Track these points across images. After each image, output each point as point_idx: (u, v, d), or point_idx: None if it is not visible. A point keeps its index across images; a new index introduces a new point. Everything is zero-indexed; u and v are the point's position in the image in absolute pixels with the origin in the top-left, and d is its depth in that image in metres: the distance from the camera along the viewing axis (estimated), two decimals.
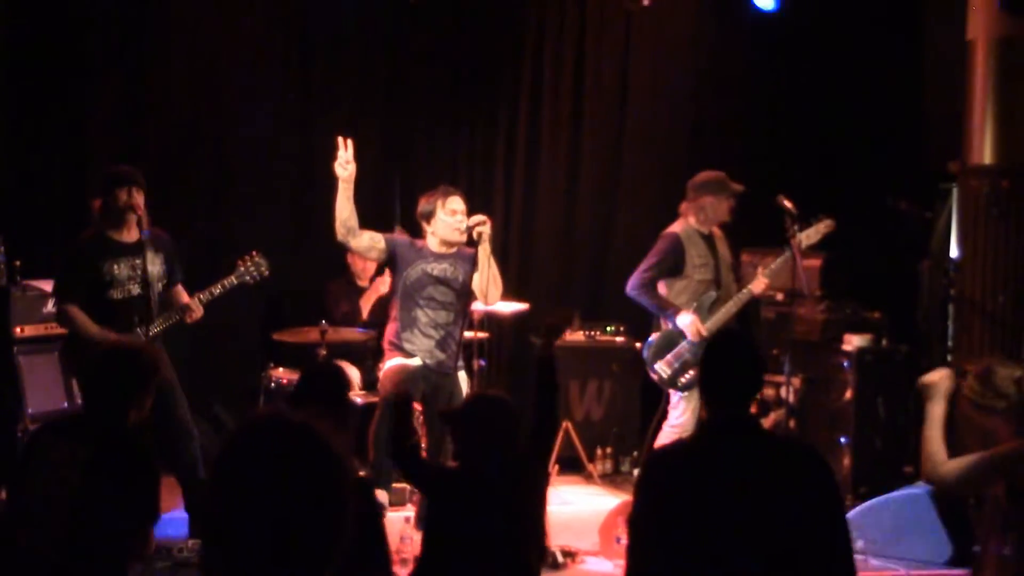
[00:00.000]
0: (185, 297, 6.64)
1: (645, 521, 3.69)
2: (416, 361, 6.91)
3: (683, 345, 7.23)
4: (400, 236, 7.20)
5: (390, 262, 7.06)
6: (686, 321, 7.18)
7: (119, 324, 6.35)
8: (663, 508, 3.64)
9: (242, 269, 6.72)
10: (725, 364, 3.82)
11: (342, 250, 8.50)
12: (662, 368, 7.28)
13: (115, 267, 6.39)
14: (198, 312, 6.57)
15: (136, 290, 6.40)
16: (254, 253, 6.80)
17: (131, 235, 6.43)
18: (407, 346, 6.95)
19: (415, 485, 5.12)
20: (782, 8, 8.45)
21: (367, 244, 6.98)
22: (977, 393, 4.78)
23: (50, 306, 7.42)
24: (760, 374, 3.97)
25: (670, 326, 7.28)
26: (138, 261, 6.37)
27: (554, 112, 9.40)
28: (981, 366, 4.92)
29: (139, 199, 6.40)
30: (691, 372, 7.22)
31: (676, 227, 7.36)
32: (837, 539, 3.59)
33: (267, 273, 6.81)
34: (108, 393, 4.53)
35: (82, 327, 6.35)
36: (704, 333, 7.14)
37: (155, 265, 6.48)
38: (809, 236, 7.23)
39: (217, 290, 6.61)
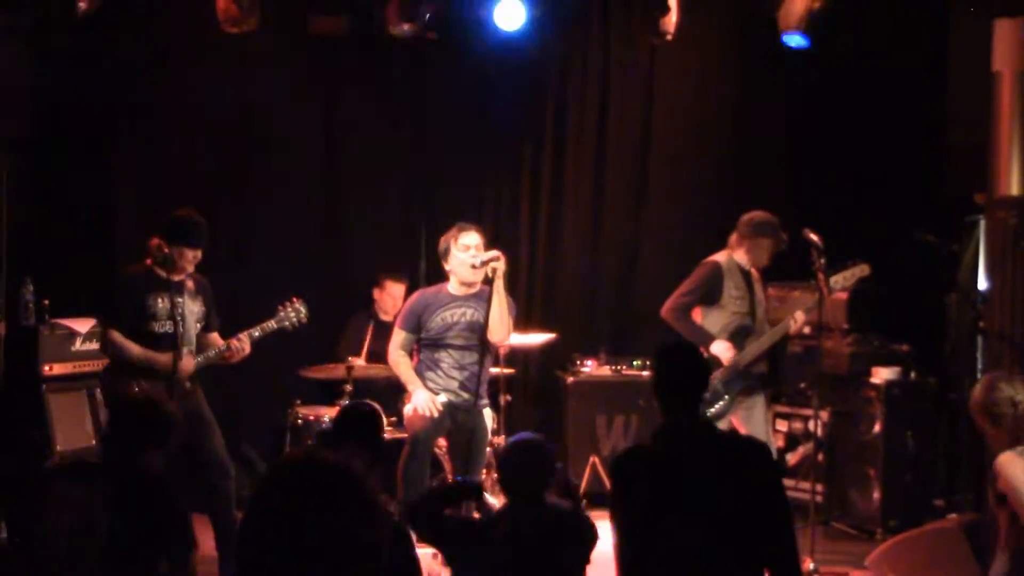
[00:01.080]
0: (220, 342, 6.69)
1: (619, 511, 4.14)
2: (441, 397, 6.92)
3: (715, 375, 7.23)
4: (411, 304, 7.19)
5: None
6: (721, 348, 7.18)
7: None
8: (631, 501, 4.12)
9: (282, 314, 6.78)
10: (675, 372, 4.27)
11: (368, 285, 8.56)
12: None
13: (159, 301, 6.45)
14: (246, 348, 6.63)
15: (176, 327, 6.44)
16: (295, 299, 6.86)
17: (177, 275, 6.52)
18: (431, 385, 6.97)
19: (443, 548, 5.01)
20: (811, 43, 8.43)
21: (411, 350, 7.12)
22: (979, 403, 5.34)
23: (78, 344, 7.47)
24: (704, 378, 4.35)
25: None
26: (179, 299, 6.45)
27: (579, 146, 9.40)
28: (987, 379, 5.50)
29: (198, 257, 6.49)
30: (720, 403, 7.22)
31: (719, 256, 7.37)
32: (777, 511, 4.08)
33: (306, 321, 6.87)
34: (127, 441, 4.57)
35: (125, 350, 6.42)
36: (739, 359, 7.16)
37: (194, 306, 6.58)
38: (845, 278, 7.19)
39: (256, 333, 6.66)
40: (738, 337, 7.25)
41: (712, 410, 7.24)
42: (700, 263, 7.41)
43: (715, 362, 7.20)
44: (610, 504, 4.19)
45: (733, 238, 7.36)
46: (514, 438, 4.94)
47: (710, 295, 7.29)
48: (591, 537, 4.69)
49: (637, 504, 4.10)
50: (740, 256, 7.33)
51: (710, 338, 7.22)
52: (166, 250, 6.45)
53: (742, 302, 7.31)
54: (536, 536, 4.51)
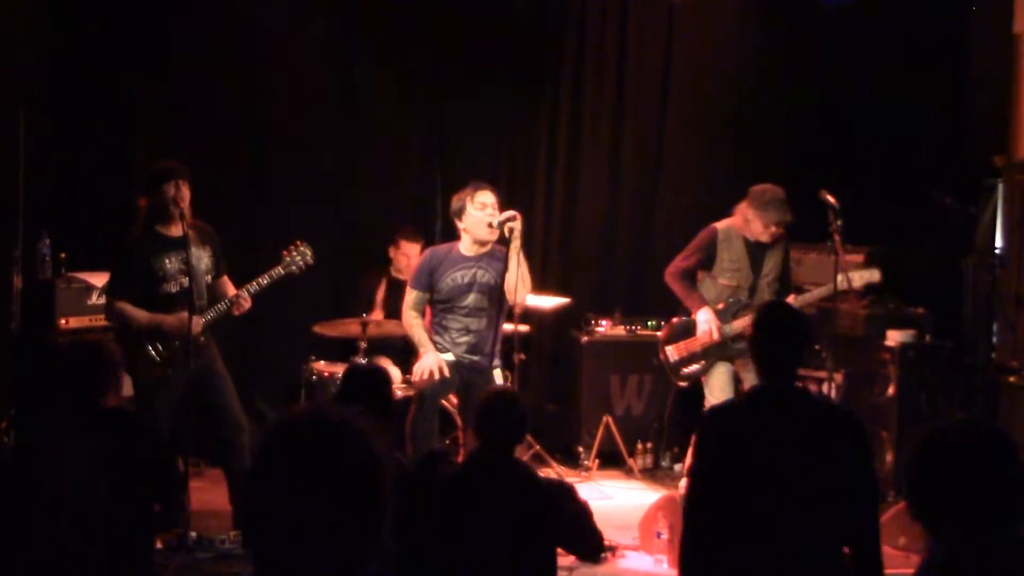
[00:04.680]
0: (231, 288, 6.70)
1: (701, 473, 4.14)
2: (449, 356, 6.92)
3: (697, 338, 7.24)
4: (422, 263, 7.15)
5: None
6: (704, 318, 7.20)
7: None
8: (715, 463, 4.07)
9: (288, 259, 6.76)
10: (773, 334, 4.17)
11: (384, 243, 8.57)
12: (671, 352, 7.35)
13: (167, 262, 6.44)
14: (247, 304, 6.64)
15: (187, 283, 6.44)
16: (299, 243, 6.83)
17: (178, 229, 6.50)
18: (439, 347, 6.97)
19: None
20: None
21: (424, 309, 7.09)
22: None
23: (95, 298, 7.50)
24: (801, 344, 4.20)
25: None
26: (185, 255, 6.42)
27: (596, 106, 9.37)
28: None
29: (185, 192, 6.47)
30: (695, 366, 7.24)
31: (721, 223, 7.34)
32: (863, 488, 4.01)
33: (312, 262, 6.84)
34: (85, 386, 4.56)
35: (131, 319, 6.40)
36: (717, 336, 7.15)
37: (202, 258, 6.56)
38: (852, 279, 7.13)
39: (264, 281, 6.65)
40: (729, 309, 7.24)
41: (684, 371, 7.28)
42: (706, 227, 7.40)
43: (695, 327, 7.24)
44: (693, 456, 4.22)
45: (737, 206, 7.32)
46: (494, 389, 4.90)
47: (707, 261, 7.29)
48: (566, 502, 4.55)
49: (720, 462, 4.06)
50: (739, 224, 7.28)
51: (698, 304, 7.22)
52: (153, 205, 6.44)
53: (736, 275, 7.26)
54: (506, 486, 4.46)
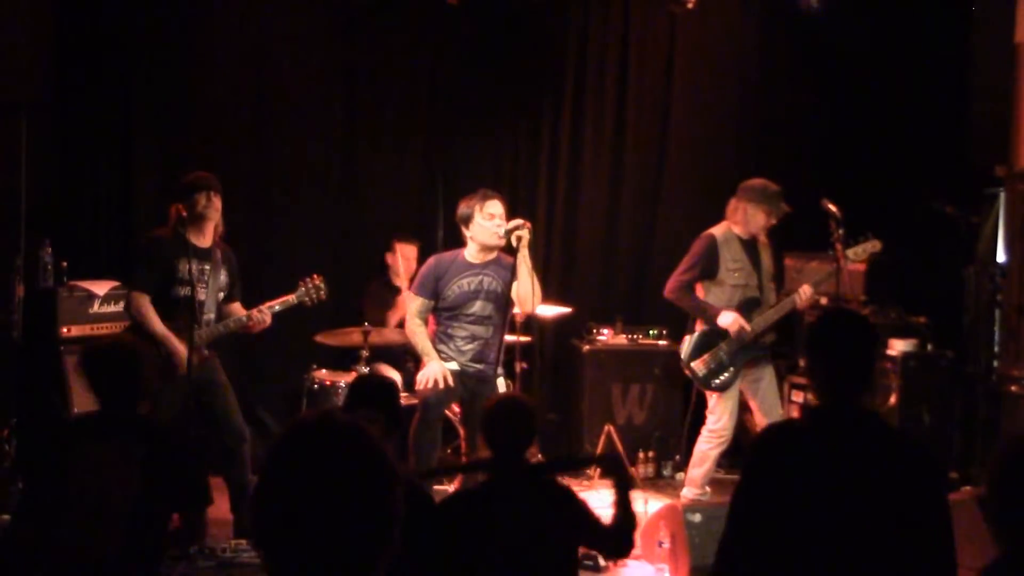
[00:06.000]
0: (243, 311, 6.73)
1: (748, 498, 3.61)
2: (453, 365, 6.90)
3: (720, 346, 7.21)
4: (427, 269, 7.08)
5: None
6: (728, 319, 7.15)
7: (177, 321, 6.45)
8: (766, 489, 3.57)
9: (303, 290, 6.86)
10: (834, 351, 3.63)
11: (382, 250, 8.56)
12: (698, 366, 7.28)
13: (189, 266, 6.45)
14: (267, 319, 6.72)
15: (200, 294, 6.52)
16: (315, 276, 6.91)
17: (206, 240, 6.62)
18: (443, 356, 6.94)
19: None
20: (827, 9, 8.37)
21: (428, 317, 7.07)
22: None
23: (96, 306, 7.50)
24: (872, 359, 3.68)
25: (708, 327, 7.26)
26: (207, 266, 6.54)
27: (597, 117, 9.37)
28: None
29: (217, 203, 6.60)
30: (726, 374, 7.21)
31: (716, 228, 7.33)
32: (934, 526, 3.51)
33: (324, 298, 6.94)
34: (126, 389, 4.56)
35: (148, 321, 6.44)
36: (748, 330, 7.13)
37: (219, 276, 6.66)
38: (856, 254, 7.14)
39: (277, 307, 6.74)
40: (744, 310, 7.22)
41: (716, 381, 7.24)
42: (698, 237, 7.38)
43: (721, 333, 7.20)
44: (741, 478, 3.66)
45: (730, 205, 7.30)
46: (500, 397, 4.91)
47: (708, 270, 7.25)
48: (576, 506, 4.51)
49: (772, 488, 3.56)
50: (736, 224, 7.26)
51: (716, 311, 7.19)
52: (184, 212, 6.51)
53: (742, 274, 7.23)
54: (513, 495, 4.42)
